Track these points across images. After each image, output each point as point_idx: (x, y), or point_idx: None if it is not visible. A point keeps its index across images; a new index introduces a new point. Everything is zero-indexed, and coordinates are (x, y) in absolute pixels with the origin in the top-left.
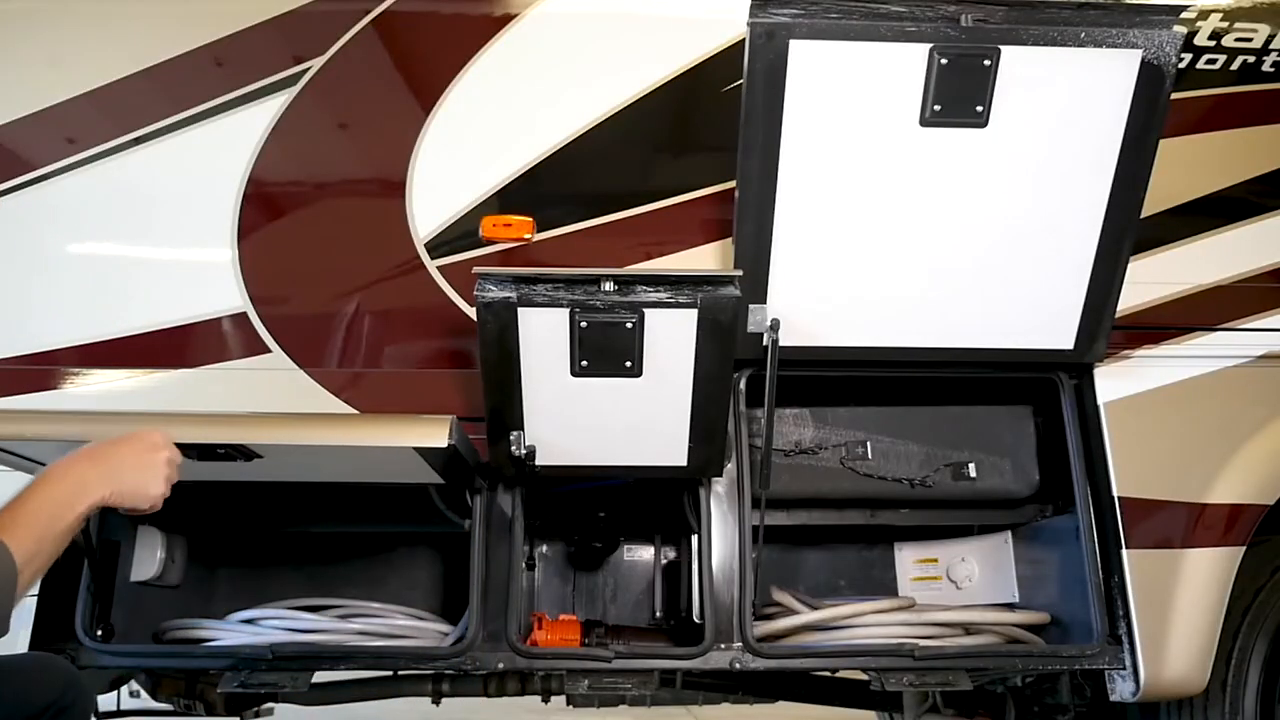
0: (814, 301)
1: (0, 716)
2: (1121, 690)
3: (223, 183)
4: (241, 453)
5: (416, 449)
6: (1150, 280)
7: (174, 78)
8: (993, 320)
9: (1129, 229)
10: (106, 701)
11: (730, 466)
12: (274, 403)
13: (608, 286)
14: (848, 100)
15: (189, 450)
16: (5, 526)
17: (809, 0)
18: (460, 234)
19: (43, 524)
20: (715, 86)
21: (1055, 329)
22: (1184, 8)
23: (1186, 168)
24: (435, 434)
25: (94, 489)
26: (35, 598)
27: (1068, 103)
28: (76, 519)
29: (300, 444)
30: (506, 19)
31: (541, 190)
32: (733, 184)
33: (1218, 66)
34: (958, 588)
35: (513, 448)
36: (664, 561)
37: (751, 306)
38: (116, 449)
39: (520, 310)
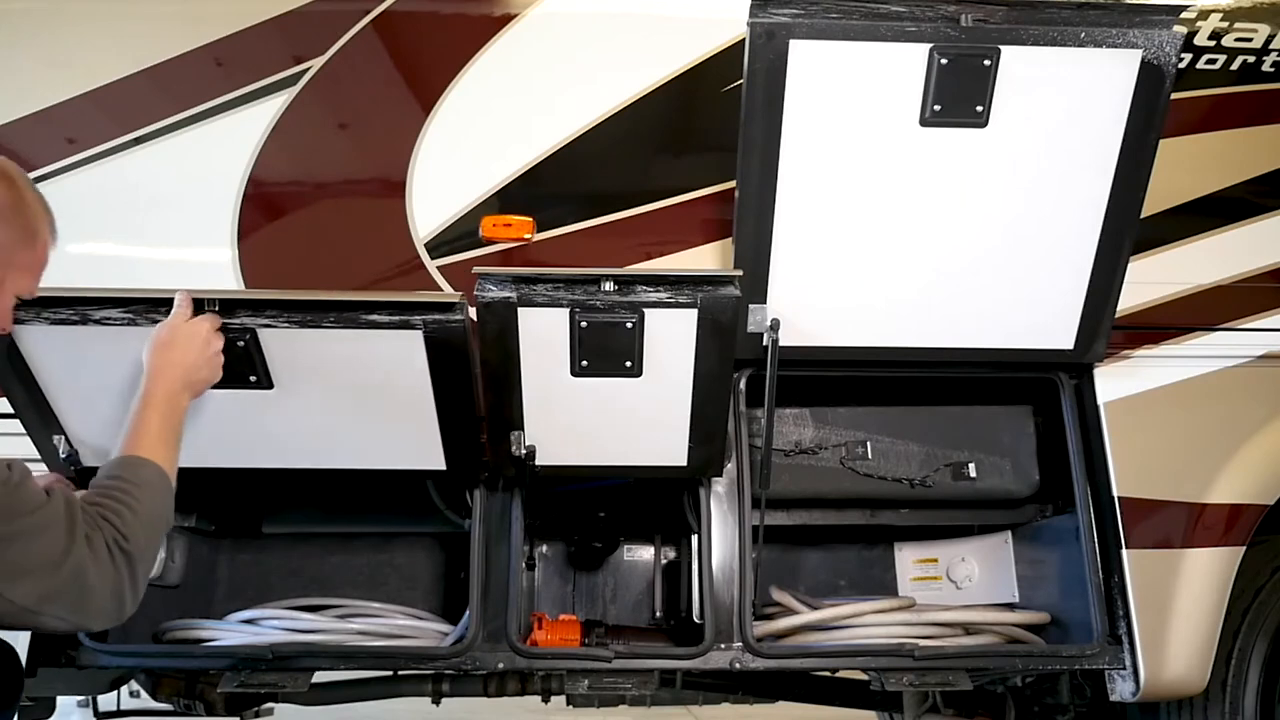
0: (814, 301)
1: None
2: (1121, 690)
3: (223, 183)
4: (253, 346)
5: (424, 330)
6: (1150, 280)
7: (174, 78)
8: (993, 320)
9: (1129, 229)
10: (106, 701)
11: (730, 466)
12: None
13: (608, 286)
14: (848, 100)
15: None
16: (147, 449)
17: (809, 0)
18: (460, 234)
19: (169, 440)
20: (715, 86)
21: (1055, 329)
22: (1184, 8)
23: (1186, 168)
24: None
25: (185, 398)
26: None
27: (1068, 103)
28: (181, 426)
29: (307, 298)
30: (506, 19)
31: (541, 190)
32: (733, 184)
33: (1218, 66)
34: (958, 588)
35: (513, 448)
36: (664, 561)
37: (751, 306)
38: (186, 354)
39: (520, 310)
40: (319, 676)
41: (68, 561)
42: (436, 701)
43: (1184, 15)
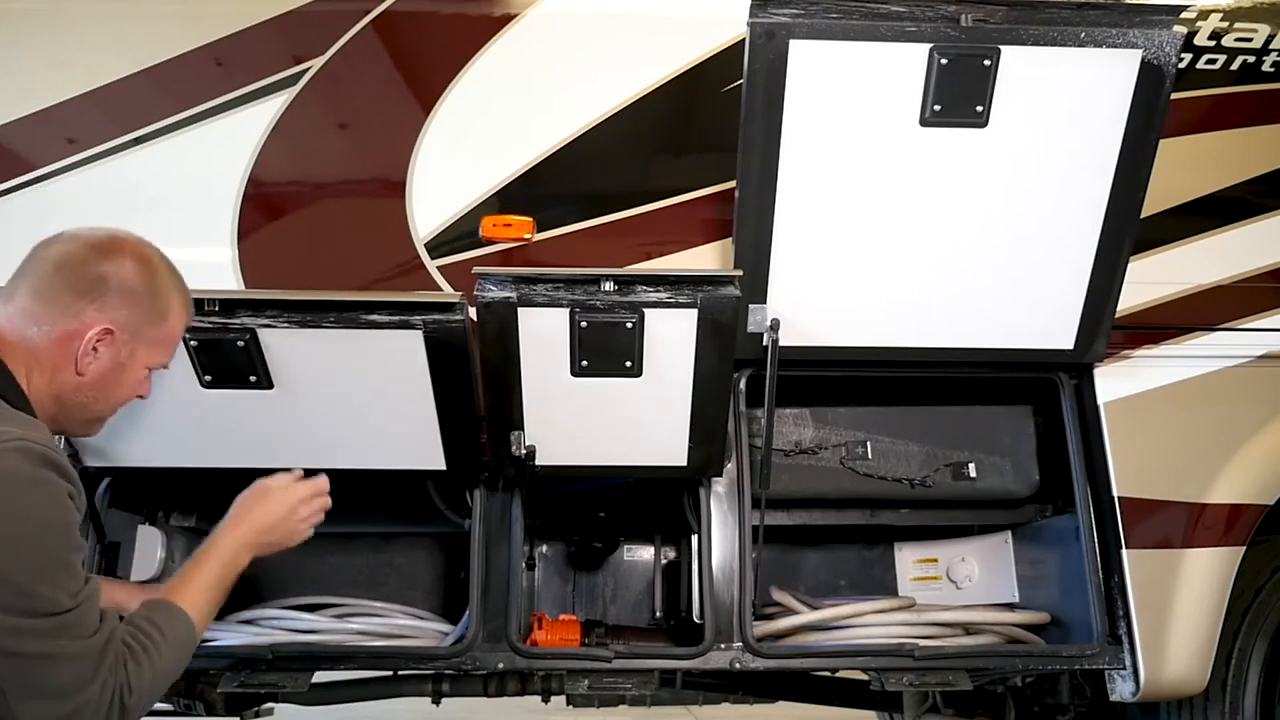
0: (814, 301)
1: None
2: (1121, 690)
3: (223, 183)
4: (253, 346)
5: (424, 330)
6: (1150, 280)
7: (174, 78)
8: (993, 320)
9: (1129, 229)
10: None
11: (730, 466)
12: None
13: (608, 286)
14: (848, 100)
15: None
16: (189, 601)
17: (809, 0)
18: (460, 234)
19: (214, 596)
20: (715, 86)
21: (1055, 329)
22: (1184, 8)
23: (1186, 168)
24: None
25: (245, 557)
26: None
27: (1068, 103)
28: (233, 581)
29: (307, 298)
30: (506, 19)
31: (541, 190)
32: (733, 184)
33: (1218, 66)
34: (958, 588)
35: (513, 448)
36: (664, 561)
37: (751, 306)
38: (262, 516)
39: (520, 310)
40: (319, 676)
41: (79, 697)
42: (436, 701)
43: (1184, 15)
